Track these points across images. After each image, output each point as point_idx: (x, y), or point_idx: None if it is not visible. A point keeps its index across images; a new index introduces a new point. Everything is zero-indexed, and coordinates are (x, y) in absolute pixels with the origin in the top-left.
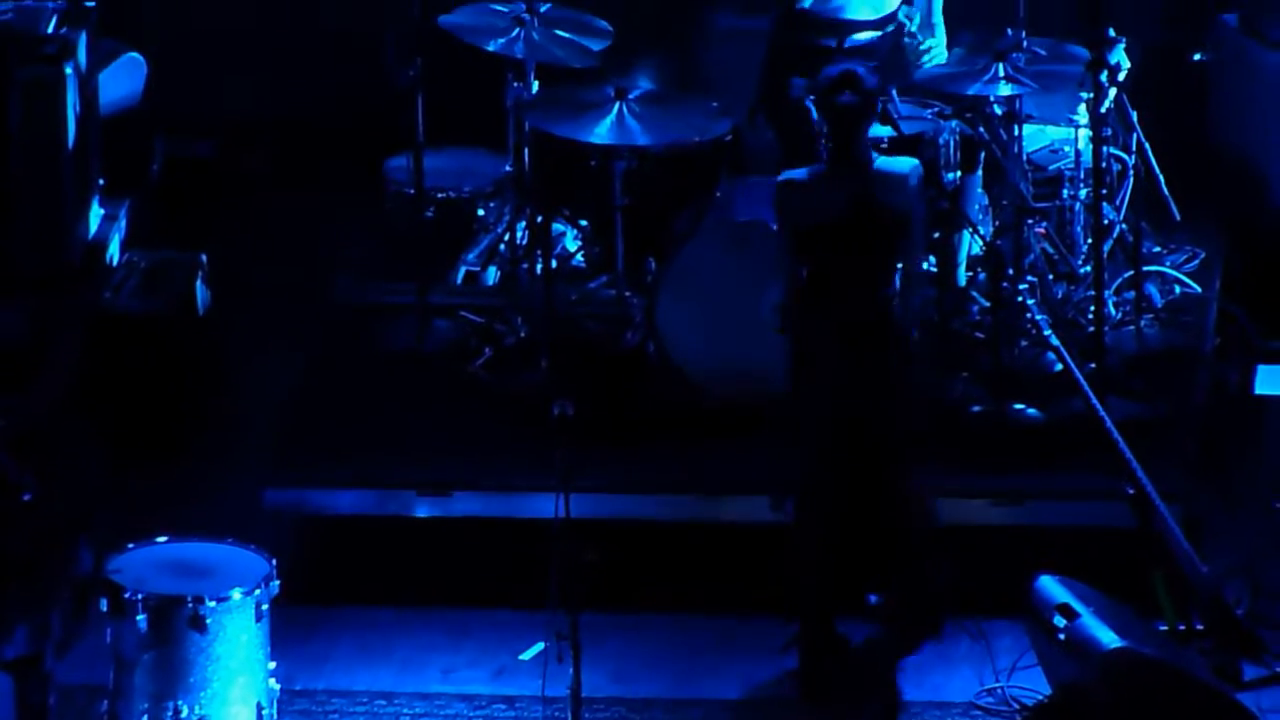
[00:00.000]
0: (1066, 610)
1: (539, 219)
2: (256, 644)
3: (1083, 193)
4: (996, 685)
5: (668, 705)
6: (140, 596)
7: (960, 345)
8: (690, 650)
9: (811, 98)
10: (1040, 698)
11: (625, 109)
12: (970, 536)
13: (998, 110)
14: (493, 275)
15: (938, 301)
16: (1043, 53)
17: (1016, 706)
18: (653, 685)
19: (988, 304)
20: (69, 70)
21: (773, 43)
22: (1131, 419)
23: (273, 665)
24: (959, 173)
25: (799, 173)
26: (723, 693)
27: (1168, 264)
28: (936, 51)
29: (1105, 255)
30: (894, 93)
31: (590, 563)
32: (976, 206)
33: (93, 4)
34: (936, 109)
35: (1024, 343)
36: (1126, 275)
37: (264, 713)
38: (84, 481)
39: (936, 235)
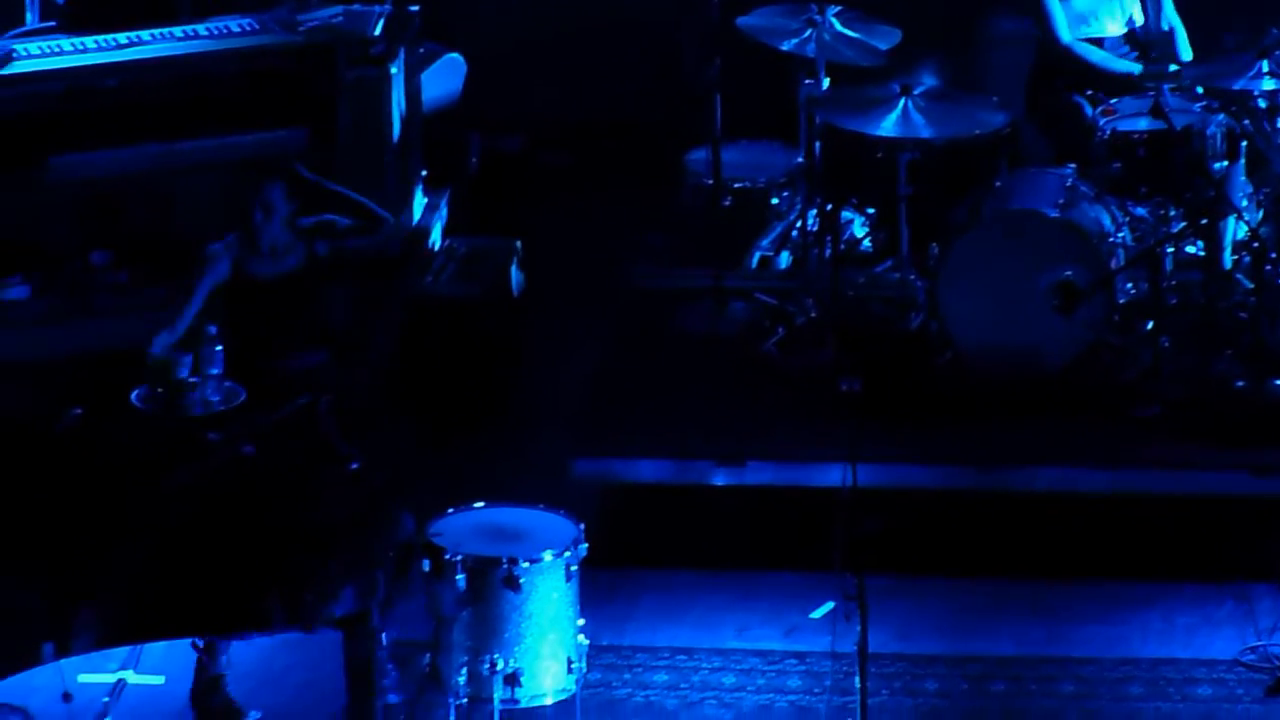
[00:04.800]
0: None
1: (828, 207)
2: (566, 602)
3: None
4: (1258, 644)
5: (948, 661)
6: (459, 558)
7: (1225, 324)
8: (967, 610)
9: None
10: None
11: (910, 104)
12: (1232, 506)
13: (1261, 104)
14: (785, 260)
15: (1204, 284)
16: None
17: (1277, 664)
18: (933, 642)
19: (1251, 286)
20: (394, 70)
21: (1040, 45)
22: None
23: (581, 622)
24: (1225, 163)
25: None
26: (998, 649)
27: None
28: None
29: None
30: (1166, 88)
31: (875, 528)
32: (1241, 195)
33: (416, 9)
34: (1204, 103)
35: None
36: None
37: (573, 666)
38: (406, 452)
39: (1204, 221)
